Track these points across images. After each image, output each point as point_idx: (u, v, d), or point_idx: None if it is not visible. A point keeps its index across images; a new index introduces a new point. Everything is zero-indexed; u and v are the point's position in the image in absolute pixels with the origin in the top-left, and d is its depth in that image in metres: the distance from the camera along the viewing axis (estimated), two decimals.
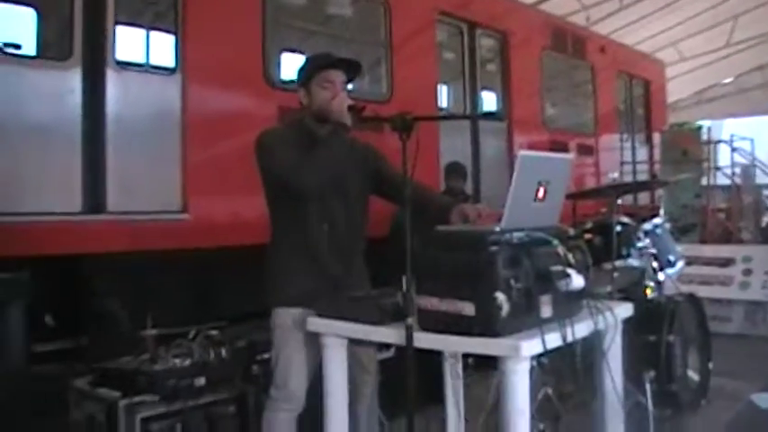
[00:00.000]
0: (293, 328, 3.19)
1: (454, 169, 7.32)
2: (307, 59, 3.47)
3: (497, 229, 2.65)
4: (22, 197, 4.70)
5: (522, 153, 2.84)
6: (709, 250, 9.46)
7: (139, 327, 4.26)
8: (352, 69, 3.37)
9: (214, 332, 4.24)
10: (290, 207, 3.25)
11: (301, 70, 3.36)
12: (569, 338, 2.69)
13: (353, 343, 3.11)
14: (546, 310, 2.67)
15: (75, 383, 4.07)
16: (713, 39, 17.51)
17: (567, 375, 4.74)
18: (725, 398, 5.34)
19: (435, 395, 3.54)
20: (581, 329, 2.82)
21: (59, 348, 4.98)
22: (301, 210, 3.23)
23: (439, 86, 8.28)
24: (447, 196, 3.72)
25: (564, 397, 4.79)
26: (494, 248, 2.58)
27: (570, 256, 2.80)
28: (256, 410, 3.87)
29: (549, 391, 4.75)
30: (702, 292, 8.01)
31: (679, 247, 5.49)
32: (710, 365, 5.17)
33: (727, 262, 8.93)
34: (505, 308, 2.52)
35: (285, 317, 3.23)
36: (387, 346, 3.74)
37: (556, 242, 2.76)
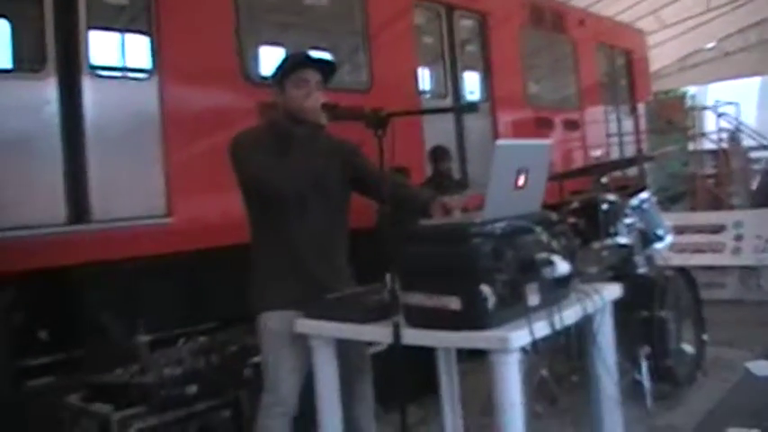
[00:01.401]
0: (280, 331, 3.13)
1: (441, 152, 7.31)
2: (282, 59, 3.40)
3: (478, 220, 2.62)
4: (5, 212, 4.64)
5: (498, 143, 2.80)
6: (700, 218, 9.45)
7: (132, 334, 4.23)
8: (327, 69, 3.30)
9: (203, 338, 4.21)
10: (269, 210, 3.19)
11: (276, 69, 3.29)
12: (558, 326, 2.67)
13: (343, 342, 3.09)
14: (533, 299, 2.64)
15: (68, 400, 4.04)
16: (693, 4, 17.40)
17: (562, 357, 4.75)
18: (722, 368, 5.36)
19: (431, 382, 3.54)
20: (569, 316, 2.79)
21: (54, 361, 4.95)
22: (281, 212, 3.16)
23: (420, 71, 8.24)
24: (428, 189, 3.62)
25: (560, 378, 4.79)
26: (476, 241, 2.54)
27: (554, 242, 2.77)
28: (251, 414, 3.84)
29: (545, 373, 4.76)
30: (695, 260, 8.12)
31: (668, 220, 5.47)
32: (705, 337, 5.19)
33: (718, 229, 8.91)
34: (491, 300, 2.49)
35: (271, 321, 3.18)
36: None
37: (539, 229, 2.73)
